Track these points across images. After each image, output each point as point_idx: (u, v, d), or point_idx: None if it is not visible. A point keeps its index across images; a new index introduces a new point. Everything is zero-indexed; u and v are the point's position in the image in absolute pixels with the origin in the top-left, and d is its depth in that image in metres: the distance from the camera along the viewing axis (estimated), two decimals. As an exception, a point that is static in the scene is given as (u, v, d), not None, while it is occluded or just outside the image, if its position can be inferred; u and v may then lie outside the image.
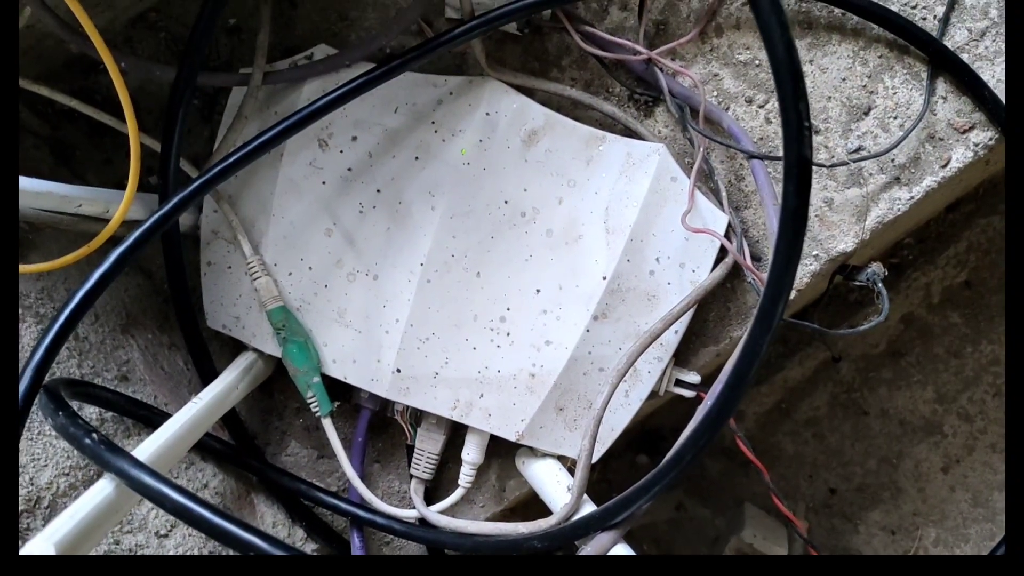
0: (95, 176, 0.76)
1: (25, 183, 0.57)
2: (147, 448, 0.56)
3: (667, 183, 0.66)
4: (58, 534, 0.47)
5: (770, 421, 1.00)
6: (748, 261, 0.65)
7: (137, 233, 0.57)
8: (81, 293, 0.54)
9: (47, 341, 0.51)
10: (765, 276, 0.48)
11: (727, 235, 0.66)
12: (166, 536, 0.62)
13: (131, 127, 0.56)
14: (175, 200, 0.60)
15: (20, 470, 0.55)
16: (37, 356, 0.51)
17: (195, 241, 0.71)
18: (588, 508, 0.65)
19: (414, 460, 0.72)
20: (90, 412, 0.63)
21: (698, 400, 0.68)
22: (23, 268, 0.56)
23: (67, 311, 0.53)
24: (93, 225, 0.63)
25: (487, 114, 0.67)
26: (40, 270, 0.58)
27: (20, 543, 0.50)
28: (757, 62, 0.69)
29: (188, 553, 0.62)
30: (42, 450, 0.57)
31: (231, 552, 0.56)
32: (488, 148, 0.67)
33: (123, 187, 0.58)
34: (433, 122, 0.68)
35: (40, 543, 0.45)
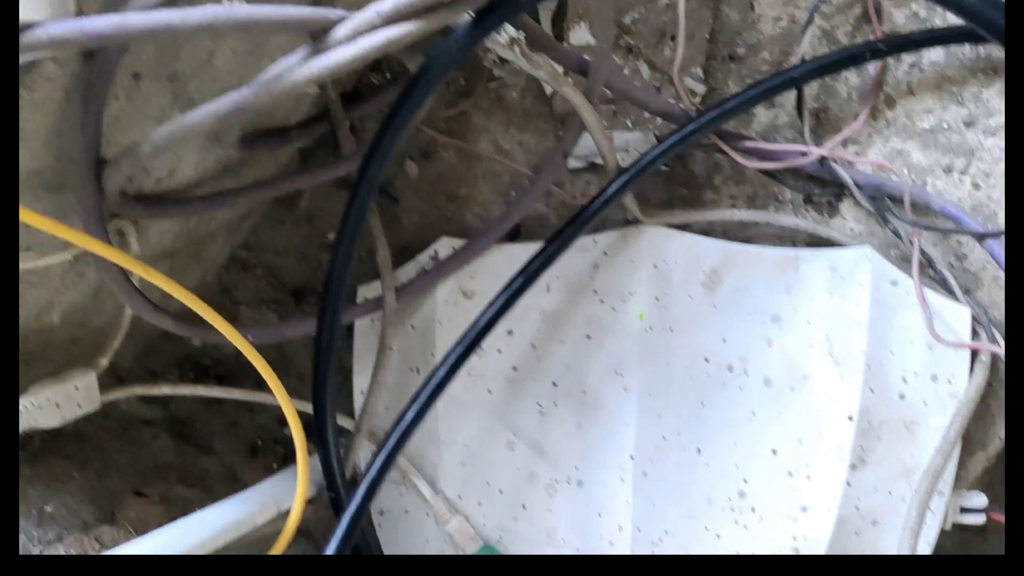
0: (221, 442, 0.72)
1: (194, 530, 0.54)
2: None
3: (888, 289, 0.59)
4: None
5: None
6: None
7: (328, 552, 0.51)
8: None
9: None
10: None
11: (973, 329, 0.57)
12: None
13: (286, 407, 0.51)
14: (356, 507, 0.53)
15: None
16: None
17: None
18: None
19: None
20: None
21: (990, 523, 0.58)
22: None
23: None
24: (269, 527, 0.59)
25: (655, 266, 0.61)
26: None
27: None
28: (946, 125, 0.61)
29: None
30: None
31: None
32: (668, 304, 0.61)
33: (255, 451, 0.58)
34: (595, 291, 0.62)
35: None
